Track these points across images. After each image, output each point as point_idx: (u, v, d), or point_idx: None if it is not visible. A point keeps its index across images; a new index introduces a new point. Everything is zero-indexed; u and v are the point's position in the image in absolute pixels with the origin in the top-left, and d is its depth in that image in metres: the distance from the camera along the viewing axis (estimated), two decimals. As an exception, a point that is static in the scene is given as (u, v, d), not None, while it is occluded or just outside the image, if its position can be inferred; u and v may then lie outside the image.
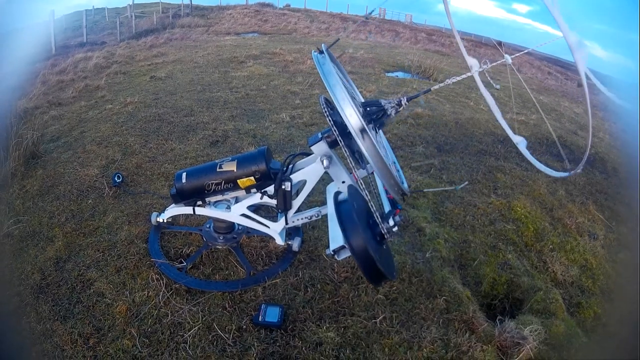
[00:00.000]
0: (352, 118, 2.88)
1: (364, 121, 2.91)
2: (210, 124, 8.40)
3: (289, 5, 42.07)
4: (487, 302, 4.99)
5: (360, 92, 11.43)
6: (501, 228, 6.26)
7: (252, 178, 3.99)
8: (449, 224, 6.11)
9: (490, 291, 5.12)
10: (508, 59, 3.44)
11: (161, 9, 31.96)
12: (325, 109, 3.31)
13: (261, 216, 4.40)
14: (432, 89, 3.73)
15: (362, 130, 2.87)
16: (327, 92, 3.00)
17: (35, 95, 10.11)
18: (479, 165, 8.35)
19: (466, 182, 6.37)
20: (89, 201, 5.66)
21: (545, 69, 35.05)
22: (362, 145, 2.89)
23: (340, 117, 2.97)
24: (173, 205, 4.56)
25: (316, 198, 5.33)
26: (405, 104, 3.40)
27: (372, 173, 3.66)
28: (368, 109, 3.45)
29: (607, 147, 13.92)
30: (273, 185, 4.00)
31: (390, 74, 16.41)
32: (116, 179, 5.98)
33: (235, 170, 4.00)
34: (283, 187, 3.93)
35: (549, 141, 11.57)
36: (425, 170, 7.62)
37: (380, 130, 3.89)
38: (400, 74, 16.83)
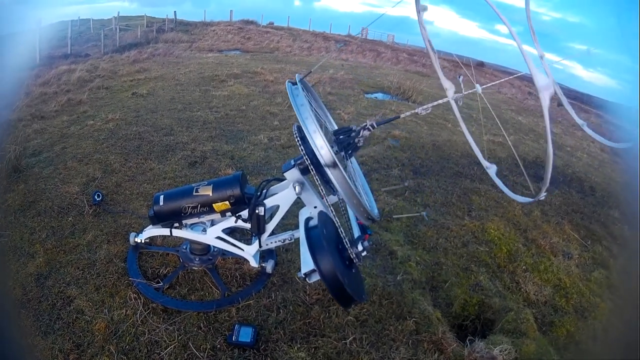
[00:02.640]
0: (323, 150, 3.03)
1: (334, 151, 3.07)
2: (189, 144, 8.50)
3: (273, 23, 42.07)
4: (458, 323, 5.13)
5: (339, 113, 11.48)
6: (474, 250, 6.40)
7: (227, 202, 4.13)
8: (421, 247, 6.23)
9: (462, 312, 5.25)
10: (479, 88, 3.59)
11: (146, 23, 32.02)
12: (298, 138, 3.45)
13: (236, 239, 4.54)
14: (401, 116, 3.90)
15: (332, 161, 3.01)
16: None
17: (18, 107, 10.16)
18: (454, 188, 8.49)
19: (424, 213, 6.51)
20: (69, 218, 5.74)
21: (526, 89, 35.32)
22: (332, 175, 3.04)
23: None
24: (151, 226, 4.68)
25: (290, 221, 5.44)
26: (372, 128, 3.57)
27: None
28: (340, 136, 3.62)
29: (585, 167, 14.10)
30: (247, 210, 4.15)
31: (369, 96, 16.59)
32: (96, 197, 6.07)
33: (211, 195, 4.15)
34: (257, 211, 4.08)
35: (526, 162, 11.75)
36: (399, 193, 7.72)
37: (352, 157, 4.05)
38: (379, 95, 17.01)
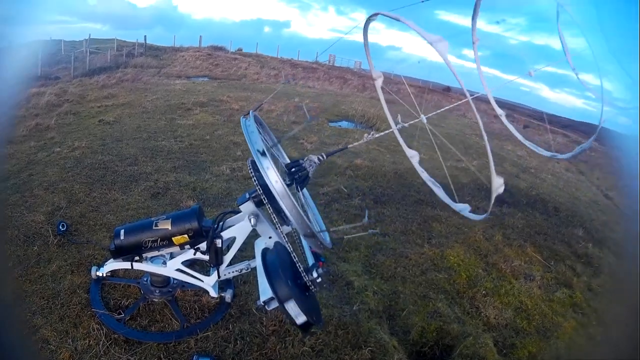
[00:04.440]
0: (275, 183, 3.18)
1: (286, 184, 3.25)
2: (152, 175, 8.59)
3: (242, 49, 42.11)
4: (417, 349, 5.28)
5: (302, 143, 11.62)
6: (433, 277, 6.57)
7: (186, 236, 4.28)
8: (379, 276, 6.39)
9: (420, 339, 5.39)
10: (423, 118, 3.77)
11: (116, 47, 31.95)
12: (252, 172, 3.58)
13: (195, 270, 4.69)
14: (348, 147, 4.10)
15: (284, 193, 3.17)
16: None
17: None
18: (415, 216, 8.68)
19: (371, 231, 6.64)
20: (35, 248, 5.79)
21: (491, 112, 35.62)
22: (284, 206, 3.18)
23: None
24: (112, 260, 4.79)
25: (248, 253, 5.58)
26: (324, 160, 3.76)
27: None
28: (292, 169, 3.81)
29: (549, 187, 14.42)
30: (206, 242, 4.30)
31: (333, 124, 16.86)
32: (61, 227, 6.15)
33: (170, 228, 4.29)
34: (215, 243, 4.25)
35: (488, 186, 11.94)
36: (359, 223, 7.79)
37: (304, 189, 4.23)
38: (344, 124, 17.34)
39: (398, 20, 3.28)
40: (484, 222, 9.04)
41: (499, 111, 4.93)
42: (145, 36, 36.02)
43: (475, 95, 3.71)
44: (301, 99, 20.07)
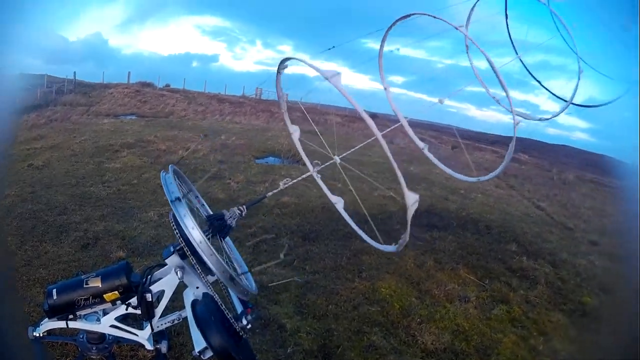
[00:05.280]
0: (196, 236, 3.33)
1: (207, 236, 3.44)
2: (82, 224, 8.63)
3: (169, 85, 41.97)
4: None
5: (229, 183, 11.72)
6: (365, 311, 6.76)
7: (116, 292, 4.40)
8: (311, 316, 6.54)
9: None
10: (337, 159, 3.97)
11: (46, 83, 31.36)
12: (174, 225, 3.66)
13: (129, 325, 4.84)
14: (267, 195, 4.32)
15: (205, 245, 3.31)
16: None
17: None
18: (344, 250, 8.84)
19: (297, 279, 6.77)
20: (-32, 307, 5.80)
21: (419, 136, 36.20)
22: (206, 258, 3.32)
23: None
24: (47, 319, 4.89)
25: (179, 303, 5.72)
26: (244, 211, 3.96)
27: None
28: (213, 221, 4.01)
29: (480, 206, 14.86)
30: (136, 297, 4.48)
31: (260, 161, 17.05)
32: (-6, 285, 6.16)
33: (100, 286, 4.34)
34: (145, 298, 4.43)
35: (418, 212, 12.24)
36: (288, 263, 8.02)
37: (227, 237, 4.43)
38: (270, 160, 17.51)
39: (304, 62, 3.50)
40: (414, 250, 9.29)
41: (420, 144, 5.18)
42: (74, 72, 35.70)
43: (388, 129, 3.94)
44: (228, 136, 20.33)
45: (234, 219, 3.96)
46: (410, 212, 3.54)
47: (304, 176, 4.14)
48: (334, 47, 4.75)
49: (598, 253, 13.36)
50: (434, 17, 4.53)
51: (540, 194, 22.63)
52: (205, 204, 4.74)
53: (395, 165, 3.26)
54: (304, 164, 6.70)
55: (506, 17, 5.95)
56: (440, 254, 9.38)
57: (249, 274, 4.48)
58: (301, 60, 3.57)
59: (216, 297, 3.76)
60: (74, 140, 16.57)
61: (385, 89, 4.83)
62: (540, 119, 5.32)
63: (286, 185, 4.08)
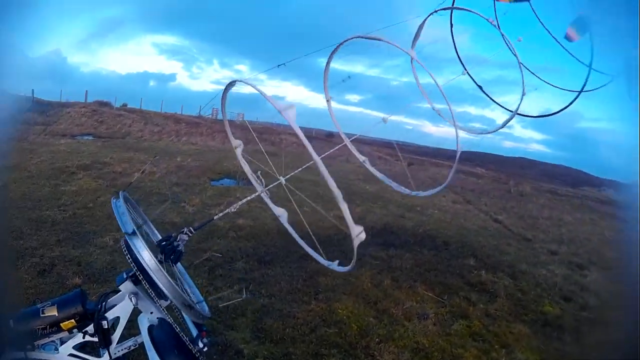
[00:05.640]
0: (149, 261, 3.43)
1: (158, 260, 3.53)
2: (38, 250, 8.59)
3: (126, 105, 41.77)
4: None
5: (184, 206, 11.71)
6: (323, 333, 6.80)
7: (72, 320, 4.30)
8: (268, 340, 6.56)
9: None
10: (282, 180, 4.10)
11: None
12: (126, 252, 3.68)
13: (88, 353, 4.87)
14: (214, 218, 4.40)
15: (157, 270, 3.42)
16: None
17: None
18: (300, 272, 8.88)
19: (244, 296, 6.78)
20: None
21: (376, 154, 36.35)
22: (159, 282, 3.43)
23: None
24: (4, 352, 4.89)
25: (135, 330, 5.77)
26: (189, 234, 4.06)
27: None
28: (163, 245, 4.11)
29: (437, 223, 15.18)
30: (92, 325, 4.36)
31: (215, 183, 17.10)
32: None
33: (57, 314, 4.27)
34: (101, 325, 4.38)
35: (375, 230, 12.33)
36: (245, 287, 8.04)
37: (178, 262, 4.50)
38: (226, 182, 17.58)
39: (254, 87, 3.61)
40: (370, 269, 9.37)
41: (361, 158, 5.30)
42: (32, 90, 35.26)
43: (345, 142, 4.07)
44: (183, 157, 20.41)
45: (183, 242, 4.06)
46: (356, 244, 3.68)
47: (252, 197, 4.25)
48: (283, 64, 4.91)
49: (558, 262, 13.69)
50: (377, 40, 4.70)
51: (497, 207, 22.90)
52: (155, 229, 4.82)
53: (338, 194, 3.38)
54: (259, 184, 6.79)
55: (452, 35, 6.20)
56: (398, 272, 9.47)
57: (200, 297, 4.59)
58: (252, 85, 3.69)
59: (171, 321, 3.82)
60: (31, 161, 16.46)
61: (327, 100, 5.00)
62: (482, 132, 5.52)
63: (235, 209, 4.20)
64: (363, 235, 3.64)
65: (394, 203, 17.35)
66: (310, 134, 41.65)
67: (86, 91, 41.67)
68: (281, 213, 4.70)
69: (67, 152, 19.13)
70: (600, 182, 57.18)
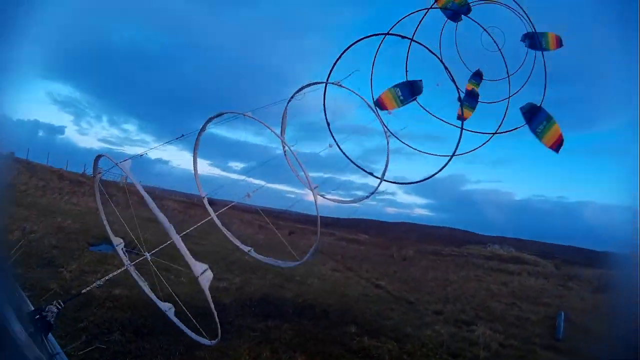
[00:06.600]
0: (20, 334, 3.50)
1: (27, 333, 3.58)
2: None
3: (13, 153, 40.51)
4: None
5: (61, 272, 11.47)
6: None
7: None
8: None
9: None
10: (148, 255, 4.22)
11: None
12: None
13: None
14: (82, 291, 4.46)
15: (27, 344, 3.48)
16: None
17: None
18: (177, 345, 8.83)
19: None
20: None
21: (256, 223, 36.60)
22: (29, 355, 3.48)
23: None
24: None
25: None
26: (59, 307, 4.11)
27: None
28: (35, 317, 4.15)
29: (317, 292, 15.63)
30: None
31: (94, 249, 16.87)
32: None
33: None
34: None
35: (253, 301, 12.40)
36: None
37: (50, 334, 4.52)
38: (103, 247, 17.26)
39: (136, 185, 3.70)
40: (249, 342, 9.54)
41: (246, 248, 5.37)
42: None
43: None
44: (64, 218, 20.11)
45: (53, 315, 4.12)
46: (206, 286, 3.81)
47: (118, 271, 4.33)
48: (182, 135, 5.09)
49: (443, 321, 14.14)
50: (254, 119, 4.96)
51: (379, 272, 23.34)
52: (28, 301, 4.83)
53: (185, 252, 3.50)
54: (138, 253, 6.87)
55: (324, 110, 6.60)
56: (277, 343, 9.62)
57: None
58: (134, 183, 3.83)
59: None
60: None
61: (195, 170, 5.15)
62: (351, 201, 5.89)
63: (100, 285, 4.29)
64: (209, 274, 3.80)
65: (273, 273, 17.50)
66: (191, 201, 41.75)
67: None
68: (168, 308, 4.74)
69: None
70: (486, 240, 59.59)
